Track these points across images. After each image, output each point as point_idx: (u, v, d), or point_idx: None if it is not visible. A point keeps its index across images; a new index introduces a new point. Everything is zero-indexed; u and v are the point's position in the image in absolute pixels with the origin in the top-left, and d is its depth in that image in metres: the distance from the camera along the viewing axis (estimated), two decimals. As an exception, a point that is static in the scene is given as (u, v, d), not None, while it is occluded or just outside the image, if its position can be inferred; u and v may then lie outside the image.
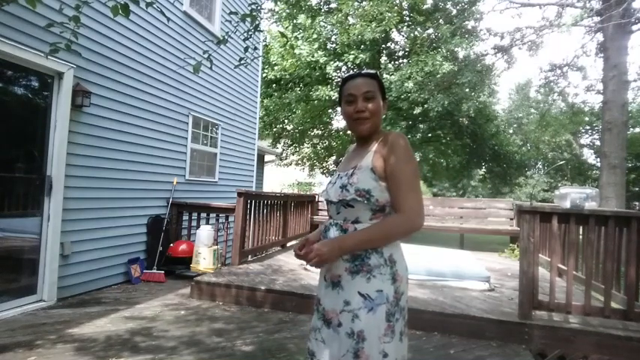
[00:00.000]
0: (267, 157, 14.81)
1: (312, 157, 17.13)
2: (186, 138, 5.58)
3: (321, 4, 13.92)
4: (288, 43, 12.09)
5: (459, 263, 4.49)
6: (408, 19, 13.28)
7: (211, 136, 6.33)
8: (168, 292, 4.16)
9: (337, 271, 1.35)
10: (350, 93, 1.39)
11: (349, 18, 11.74)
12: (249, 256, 5.17)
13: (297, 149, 17.08)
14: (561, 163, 21.91)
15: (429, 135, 15.03)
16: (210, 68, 3.57)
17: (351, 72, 1.48)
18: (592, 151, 24.00)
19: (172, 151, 5.27)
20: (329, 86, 12.41)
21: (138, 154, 4.63)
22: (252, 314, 3.56)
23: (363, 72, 1.43)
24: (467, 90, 11.87)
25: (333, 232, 1.37)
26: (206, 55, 3.19)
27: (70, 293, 3.81)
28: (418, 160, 12.18)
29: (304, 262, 5.36)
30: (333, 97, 12.39)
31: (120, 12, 2.51)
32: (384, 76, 12.10)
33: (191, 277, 4.36)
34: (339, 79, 12.76)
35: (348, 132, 15.69)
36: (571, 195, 3.40)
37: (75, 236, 3.83)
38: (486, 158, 17.19)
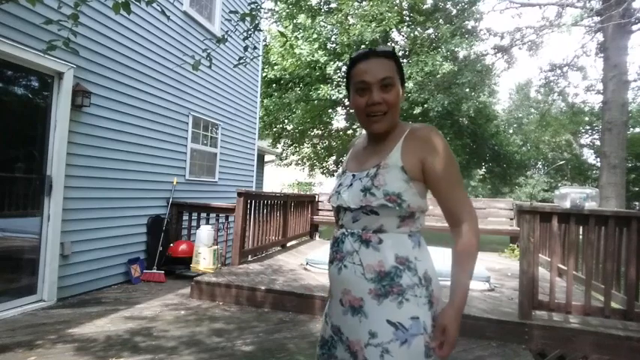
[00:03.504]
0: (267, 157, 14.81)
1: (312, 157, 17.13)
2: (187, 138, 5.58)
3: (321, 4, 13.92)
4: (288, 43, 12.09)
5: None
6: (408, 19, 13.28)
7: (211, 136, 6.32)
8: (168, 292, 4.16)
9: (358, 294, 1.08)
10: (362, 80, 1.11)
11: (349, 18, 11.75)
12: (249, 256, 5.17)
13: (297, 149, 17.08)
14: (561, 163, 21.92)
15: (429, 135, 14.98)
16: (210, 67, 3.57)
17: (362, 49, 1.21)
18: (592, 151, 24.01)
19: (172, 151, 5.27)
20: (329, 86, 12.41)
21: (138, 154, 4.63)
22: (252, 314, 3.56)
23: (377, 49, 1.14)
24: (467, 90, 11.87)
25: (350, 245, 1.11)
26: (205, 54, 3.19)
27: (70, 293, 3.81)
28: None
29: (304, 262, 5.29)
30: (333, 97, 12.38)
31: (121, 9, 2.50)
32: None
33: (191, 277, 4.36)
34: (339, 80, 12.75)
35: (349, 132, 15.73)
36: (571, 195, 3.40)
37: (75, 236, 3.83)
38: (486, 158, 17.20)
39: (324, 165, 17.25)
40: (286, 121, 15.06)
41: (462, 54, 12.40)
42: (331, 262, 1.18)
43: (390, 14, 11.22)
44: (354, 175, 1.17)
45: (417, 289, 1.05)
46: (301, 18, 12.47)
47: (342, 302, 1.13)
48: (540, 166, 27.80)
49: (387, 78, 1.10)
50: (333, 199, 1.20)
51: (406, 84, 11.14)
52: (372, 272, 1.06)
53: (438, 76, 11.01)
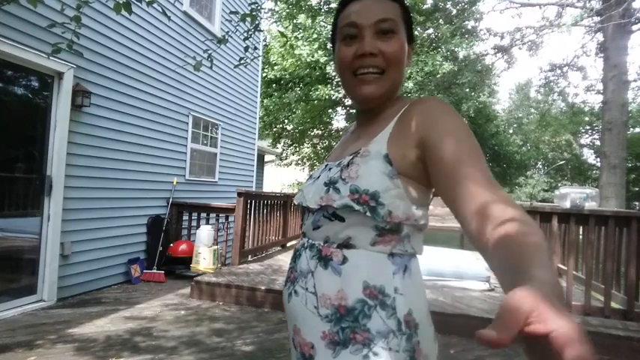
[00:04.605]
0: (267, 157, 14.82)
1: (312, 157, 17.15)
2: (187, 138, 5.58)
3: (321, 4, 13.93)
4: (288, 43, 12.10)
5: (459, 263, 4.49)
6: (408, 19, 13.28)
7: (211, 136, 6.33)
8: (168, 292, 4.16)
9: (308, 336, 0.74)
10: (351, 21, 0.78)
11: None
12: (249, 256, 5.17)
13: (297, 149, 17.11)
14: (561, 163, 21.94)
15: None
16: (211, 68, 3.57)
17: None
18: (592, 151, 24.03)
19: (172, 151, 5.27)
20: (329, 86, 12.42)
21: (138, 154, 4.64)
22: (252, 314, 3.56)
23: None
24: (467, 90, 11.90)
25: (306, 262, 0.78)
26: (206, 55, 3.20)
27: (70, 293, 3.81)
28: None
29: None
30: (333, 97, 12.39)
31: (122, 9, 2.50)
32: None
33: (191, 277, 4.36)
34: (339, 79, 12.72)
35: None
36: (571, 195, 3.40)
37: (75, 236, 3.83)
38: (486, 158, 17.20)
39: (324, 165, 17.23)
40: (286, 121, 15.08)
41: (462, 54, 12.42)
42: (285, 282, 0.84)
43: (390, 14, 11.20)
44: (327, 166, 0.84)
45: (392, 339, 0.68)
46: (301, 18, 12.48)
47: (294, 343, 0.79)
48: (540, 166, 27.82)
49: (386, 20, 0.76)
50: (297, 197, 0.87)
51: (406, 84, 11.18)
52: (328, 306, 0.72)
53: (438, 76, 11.03)
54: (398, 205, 0.71)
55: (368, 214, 0.70)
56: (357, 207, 0.70)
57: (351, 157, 0.76)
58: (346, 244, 0.74)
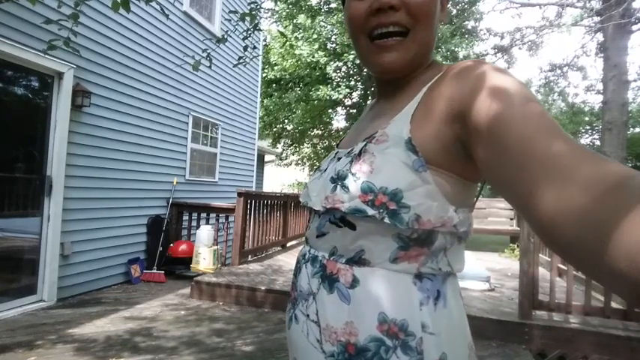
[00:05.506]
0: (267, 157, 14.83)
1: (312, 157, 17.15)
2: (187, 138, 5.58)
3: (321, 4, 13.93)
4: (288, 44, 12.10)
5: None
6: (408, 19, 13.26)
7: (211, 136, 6.33)
8: (168, 292, 4.16)
9: None
10: None
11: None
12: (249, 256, 5.17)
13: (297, 149, 17.10)
14: (561, 163, 21.90)
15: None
16: (210, 67, 3.57)
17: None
18: (592, 151, 24.02)
19: (172, 151, 5.27)
20: (329, 86, 12.42)
21: (138, 154, 4.64)
22: (252, 314, 3.56)
23: None
24: (467, 90, 11.88)
25: (306, 280, 0.63)
26: (205, 54, 3.20)
27: (70, 293, 3.81)
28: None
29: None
30: (333, 97, 12.39)
31: (120, 7, 2.50)
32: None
33: (191, 277, 4.36)
34: (339, 79, 12.74)
35: (349, 132, 15.72)
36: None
37: (75, 236, 3.83)
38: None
39: (324, 165, 17.21)
40: (286, 121, 15.07)
41: (462, 54, 12.41)
42: (288, 302, 0.70)
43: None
44: (337, 155, 0.67)
45: None
46: (301, 18, 12.48)
47: None
48: (540, 166, 27.77)
49: None
50: (302, 194, 0.71)
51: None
52: (334, 342, 0.57)
53: (438, 76, 11.02)
54: (429, 206, 0.53)
55: (387, 220, 0.53)
56: (371, 211, 0.54)
57: (364, 143, 0.60)
58: (358, 260, 0.57)
